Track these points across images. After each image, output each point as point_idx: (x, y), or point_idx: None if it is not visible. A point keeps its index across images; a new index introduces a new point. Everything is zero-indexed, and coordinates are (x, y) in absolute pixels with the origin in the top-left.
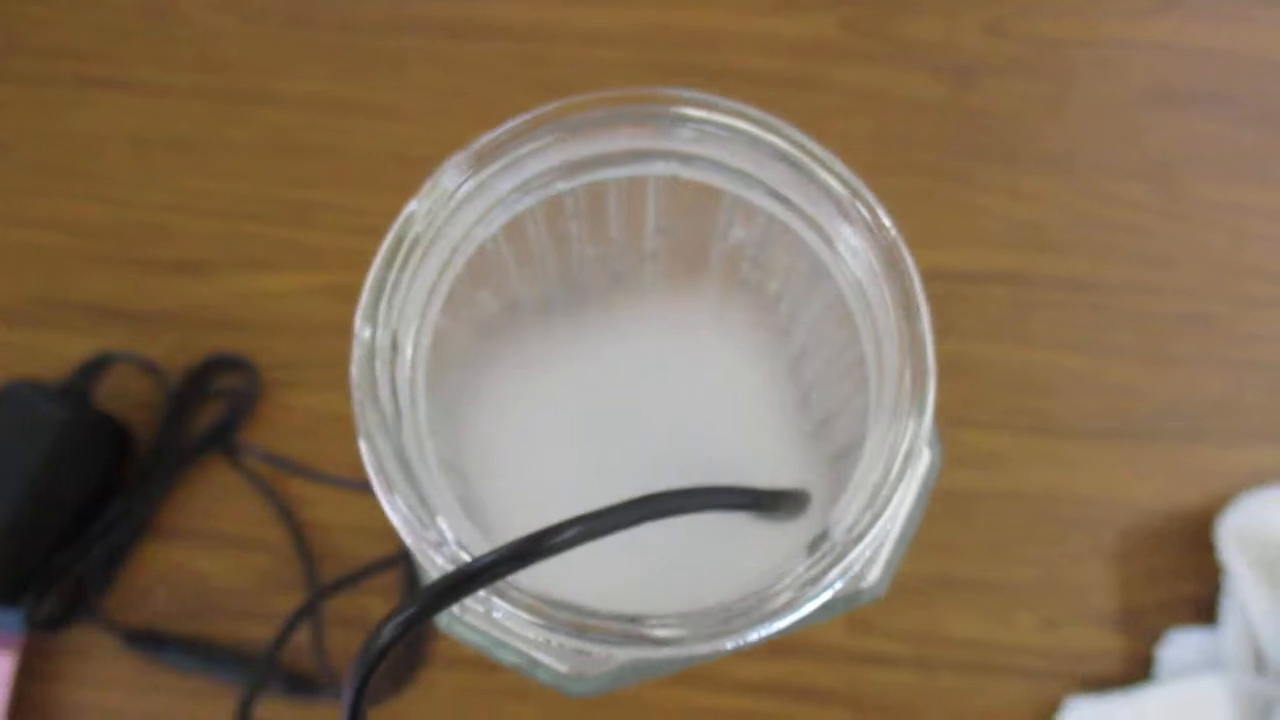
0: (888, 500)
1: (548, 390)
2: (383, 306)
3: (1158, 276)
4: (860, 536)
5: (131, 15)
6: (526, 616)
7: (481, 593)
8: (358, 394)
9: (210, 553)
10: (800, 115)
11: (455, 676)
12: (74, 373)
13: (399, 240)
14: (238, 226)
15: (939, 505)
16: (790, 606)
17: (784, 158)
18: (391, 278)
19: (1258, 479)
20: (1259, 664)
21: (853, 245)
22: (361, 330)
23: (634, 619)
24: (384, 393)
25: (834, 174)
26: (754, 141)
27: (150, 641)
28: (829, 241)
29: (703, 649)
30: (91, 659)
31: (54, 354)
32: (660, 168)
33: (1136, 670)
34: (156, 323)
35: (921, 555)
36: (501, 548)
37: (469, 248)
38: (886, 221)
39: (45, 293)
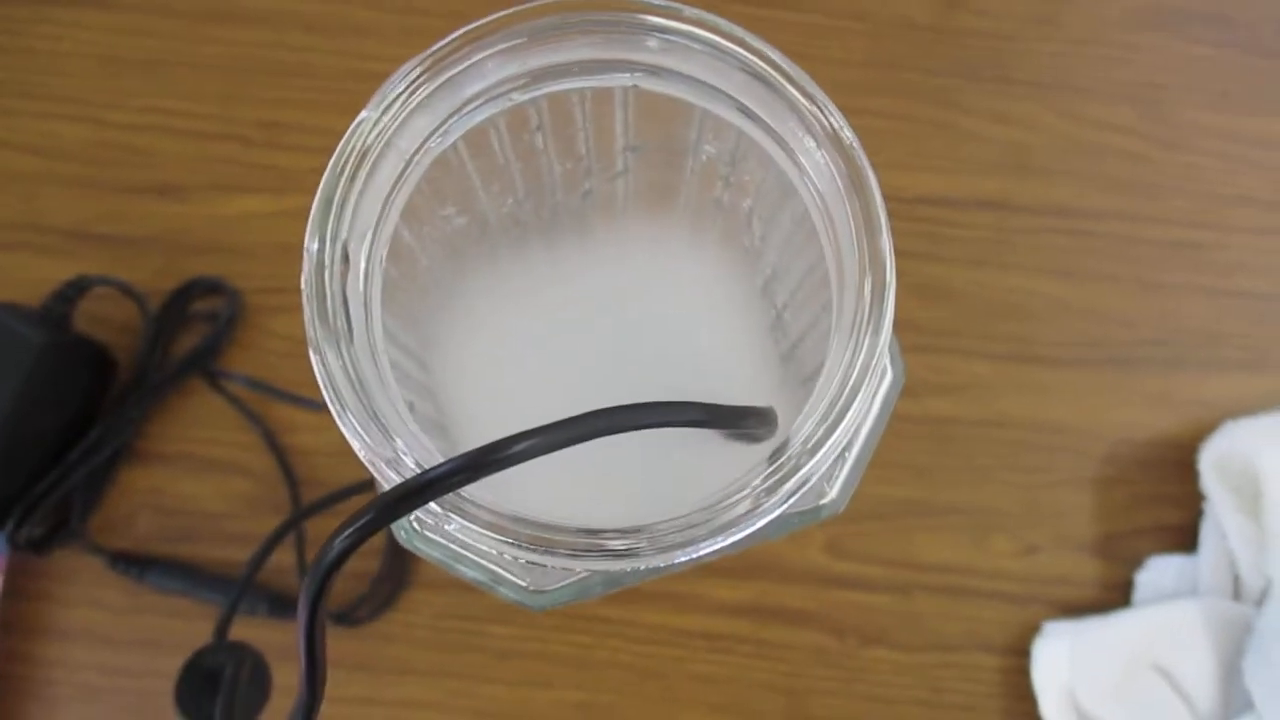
0: (844, 411)
1: (520, 311)
2: (331, 218)
3: (1144, 203)
4: (816, 448)
5: None
6: (482, 531)
7: (437, 507)
8: (307, 308)
9: (193, 477)
10: (789, 35)
11: (438, 599)
12: (51, 296)
13: (348, 150)
14: (211, 148)
15: (917, 430)
16: (747, 518)
17: (748, 70)
18: (340, 188)
19: (1240, 407)
20: (1236, 590)
21: (816, 160)
22: (310, 243)
23: (591, 532)
24: (334, 306)
25: (798, 87)
26: (719, 53)
27: (134, 563)
28: (793, 156)
29: (658, 561)
30: (77, 581)
31: (31, 279)
32: (623, 79)
33: (1115, 596)
34: (135, 246)
35: (898, 480)
36: (454, 459)
37: (425, 159)
38: (848, 134)
39: (18, 216)
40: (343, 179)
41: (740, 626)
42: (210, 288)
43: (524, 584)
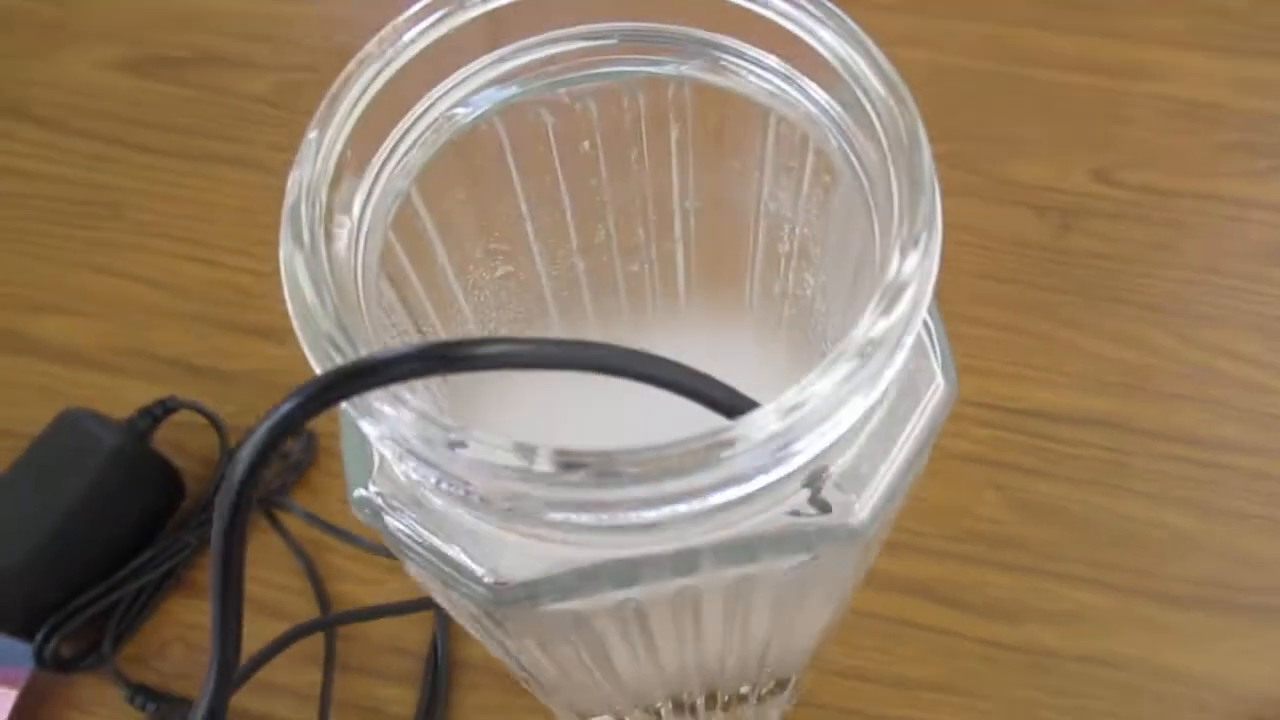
0: (832, 365)
1: (566, 391)
2: (334, 122)
3: (1277, 439)
4: (800, 406)
5: (257, 103)
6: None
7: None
8: (285, 207)
9: None
10: None
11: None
12: (137, 411)
13: (360, 56)
14: None
15: (1013, 659)
16: (728, 464)
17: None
18: (349, 94)
19: None
20: None
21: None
22: (310, 131)
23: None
24: (313, 203)
25: (873, 60)
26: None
27: (154, 699)
28: (851, 147)
29: (620, 512)
30: (94, 712)
31: (125, 400)
32: (671, 69)
33: None
34: (228, 381)
35: (991, 715)
36: (408, 346)
37: (454, 124)
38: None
39: (128, 342)
40: (353, 83)
41: None
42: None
43: (481, 573)
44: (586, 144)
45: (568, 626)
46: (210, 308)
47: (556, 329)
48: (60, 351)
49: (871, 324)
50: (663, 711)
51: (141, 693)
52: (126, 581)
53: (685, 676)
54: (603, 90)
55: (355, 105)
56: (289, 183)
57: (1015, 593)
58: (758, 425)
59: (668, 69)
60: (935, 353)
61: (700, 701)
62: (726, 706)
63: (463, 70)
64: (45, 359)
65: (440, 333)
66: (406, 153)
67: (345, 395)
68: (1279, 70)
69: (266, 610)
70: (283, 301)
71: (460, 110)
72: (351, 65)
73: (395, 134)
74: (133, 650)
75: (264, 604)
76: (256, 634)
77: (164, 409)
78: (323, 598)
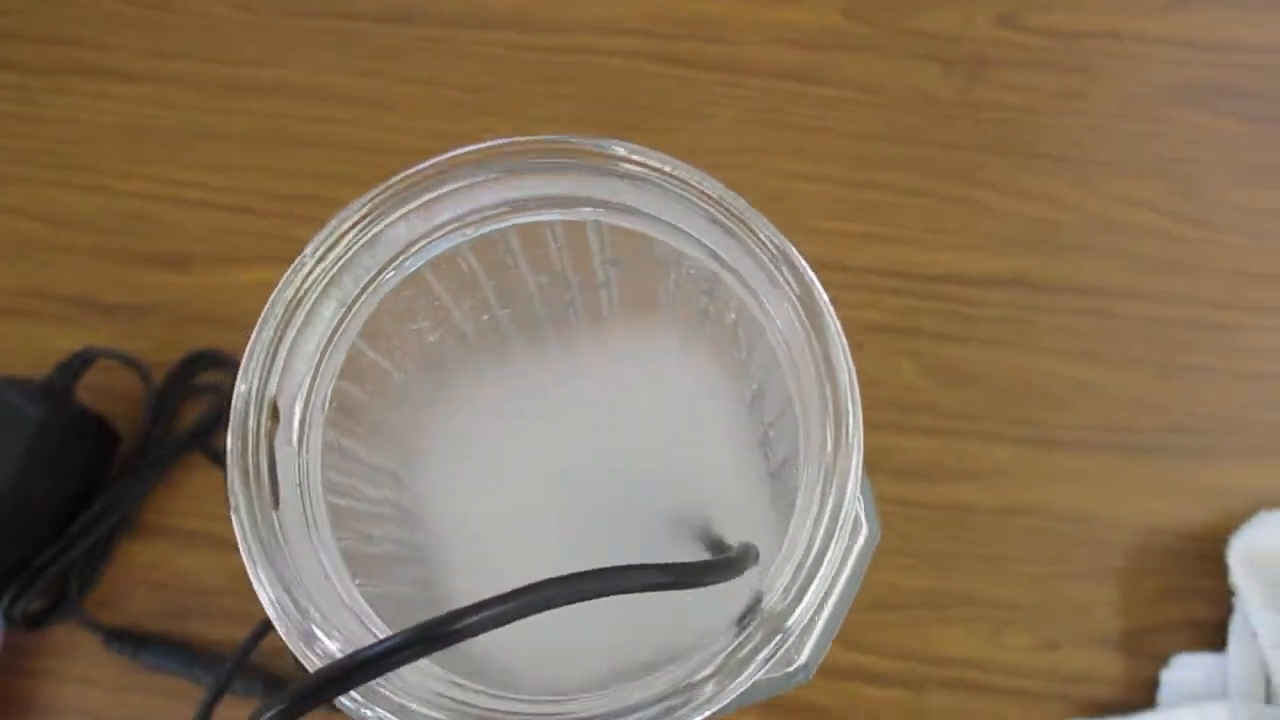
0: (810, 577)
1: (505, 423)
2: (256, 368)
3: (1172, 283)
4: (785, 614)
5: (126, 4)
6: (420, 710)
7: (358, 695)
8: (231, 467)
9: (192, 552)
10: (805, 108)
11: None
12: (55, 369)
13: (286, 292)
14: (224, 219)
15: (933, 517)
16: (715, 698)
17: (712, 218)
18: (267, 336)
19: (1273, 499)
20: (1269, 693)
21: (783, 312)
22: (238, 389)
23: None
24: (258, 463)
25: (762, 242)
26: (683, 197)
27: (130, 641)
28: (761, 304)
29: None
30: (72, 658)
31: (34, 348)
32: (587, 214)
33: (1139, 695)
34: (139, 316)
35: (912, 569)
36: (387, 638)
37: (374, 298)
38: (816, 291)
39: (25, 284)
40: (273, 326)
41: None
42: (214, 361)
43: None
44: (508, 258)
45: None
46: (105, 239)
47: (486, 363)
48: None
49: (826, 529)
50: None
51: (118, 636)
52: (81, 536)
53: None
54: (521, 226)
55: (288, 343)
56: (229, 449)
57: (933, 455)
58: (737, 659)
59: (584, 213)
60: (862, 502)
61: None
62: None
63: (387, 249)
64: None
65: (376, 408)
66: (337, 344)
67: (328, 699)
68: None
69: (219, 544)
70: (179, 225)
71: (389, 275)
72: (283, 304)
73: (331, 335)
74: (100, 597)
75: (215, 539)
76: (215, 567)
77: (81, 362)
78: None
